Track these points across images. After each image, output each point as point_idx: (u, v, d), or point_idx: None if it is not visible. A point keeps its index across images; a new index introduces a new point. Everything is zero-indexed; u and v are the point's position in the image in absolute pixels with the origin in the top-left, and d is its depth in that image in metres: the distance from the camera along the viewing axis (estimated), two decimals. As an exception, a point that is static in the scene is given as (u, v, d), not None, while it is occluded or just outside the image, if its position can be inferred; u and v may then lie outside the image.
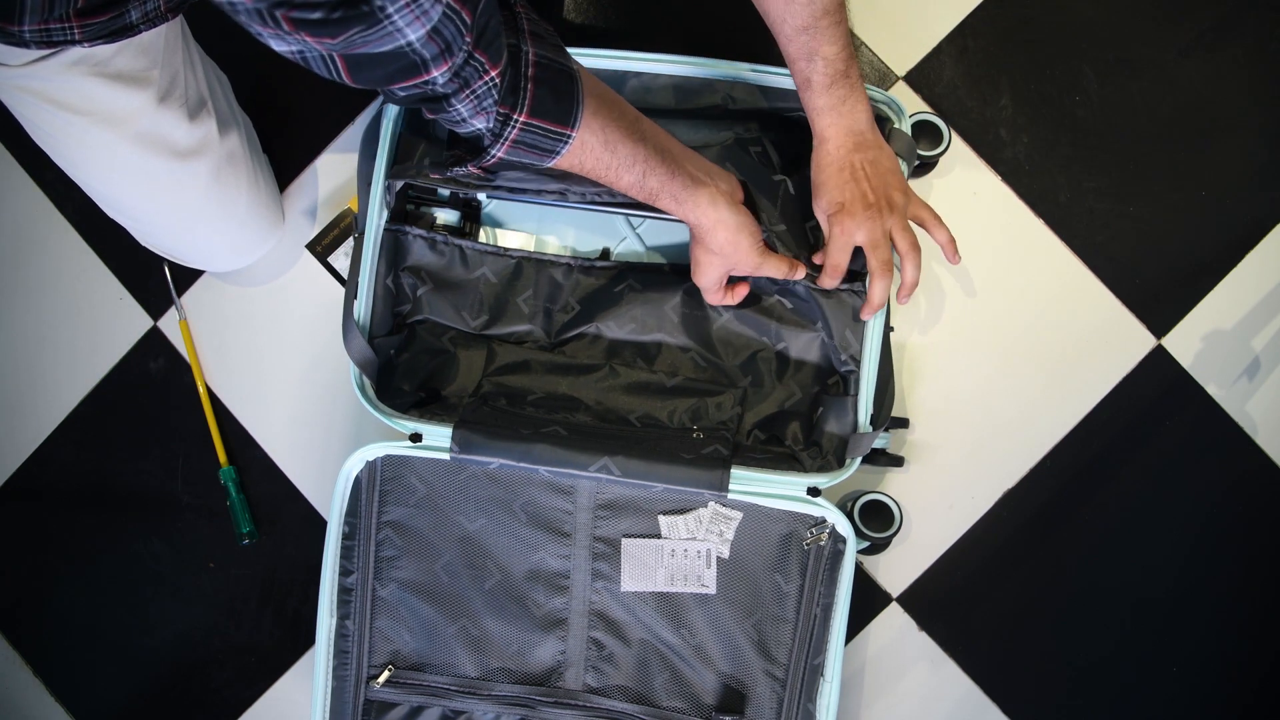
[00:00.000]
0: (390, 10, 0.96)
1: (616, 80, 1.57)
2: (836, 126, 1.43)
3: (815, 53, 1.37)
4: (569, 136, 1.22)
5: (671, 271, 1.61)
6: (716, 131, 1.60)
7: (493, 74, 1.11)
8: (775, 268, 1.48)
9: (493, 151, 1.20)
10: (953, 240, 1.50)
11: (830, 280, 1.49)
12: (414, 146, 1.58)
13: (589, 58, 1.56)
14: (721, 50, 1.57)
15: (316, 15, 0.94)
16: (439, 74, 1.07)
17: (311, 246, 1.79)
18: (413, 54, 1.03)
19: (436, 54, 1.04)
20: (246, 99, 1.74)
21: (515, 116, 1.16)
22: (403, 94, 1.13)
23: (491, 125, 1.17)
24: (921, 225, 1.52)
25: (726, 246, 1.43)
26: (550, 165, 1.27)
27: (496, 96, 1.13)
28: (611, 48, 1.56)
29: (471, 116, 1.15)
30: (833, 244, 1.47)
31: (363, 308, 1.54)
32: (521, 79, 1.15)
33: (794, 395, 1.58)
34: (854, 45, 1.41)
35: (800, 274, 1.50)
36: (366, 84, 1.09)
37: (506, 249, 1.60)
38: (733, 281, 1.53)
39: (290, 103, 1.82)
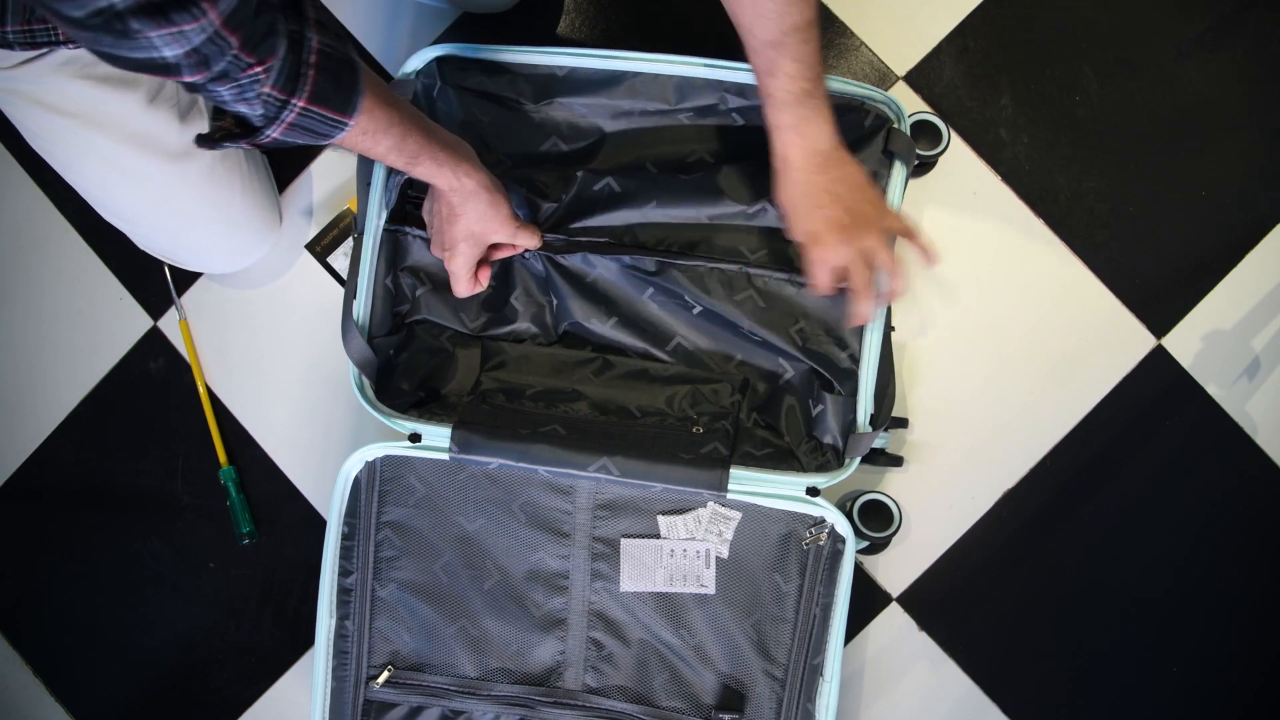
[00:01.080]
0: (149, 34, 0.95)
1: (616, 80, 1.57)
2: (798, 147, 1.41)
3: (779, 69, 1.36)
4: (346, 124, 1.22)
5: (672, 267, 1.60)
6: (718, 131, 1.60)
7: (258, 70, 1.09)
8: (527, 238, 1.52)
9: (267, 132, 1.18)
10: (929, 246, 1.47)
11: (820, 295, 1.49)
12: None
13: (589, 58, 1.56)
14: (721, 50, 1.57)
15: (76, 13, 0.92)
16: (194, 79, 1.05)
17: (310, 247, 1.79)
18: (162, 64, 1.01)
19: (192, 65, 1.02)
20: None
21: (294, 101, 1.15)
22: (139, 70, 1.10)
23: (264, 110, 1.15)
24: (898, 235, 1.49)
25: (488, 210, 1.44)
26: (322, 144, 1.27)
27: (260, 89, 1.11)
28: (611, 48, 1.56)
29: (234, 101, 1.13)
30: (812, 271, 1.45)
31: (362, 308, 1.54)
32: (304, 66, 1.14)
33: (791, 387, 1.58)
34: (823, 66, 1.39)
35: (534, 241, 1.55)
36: (117, 67, 1.05)
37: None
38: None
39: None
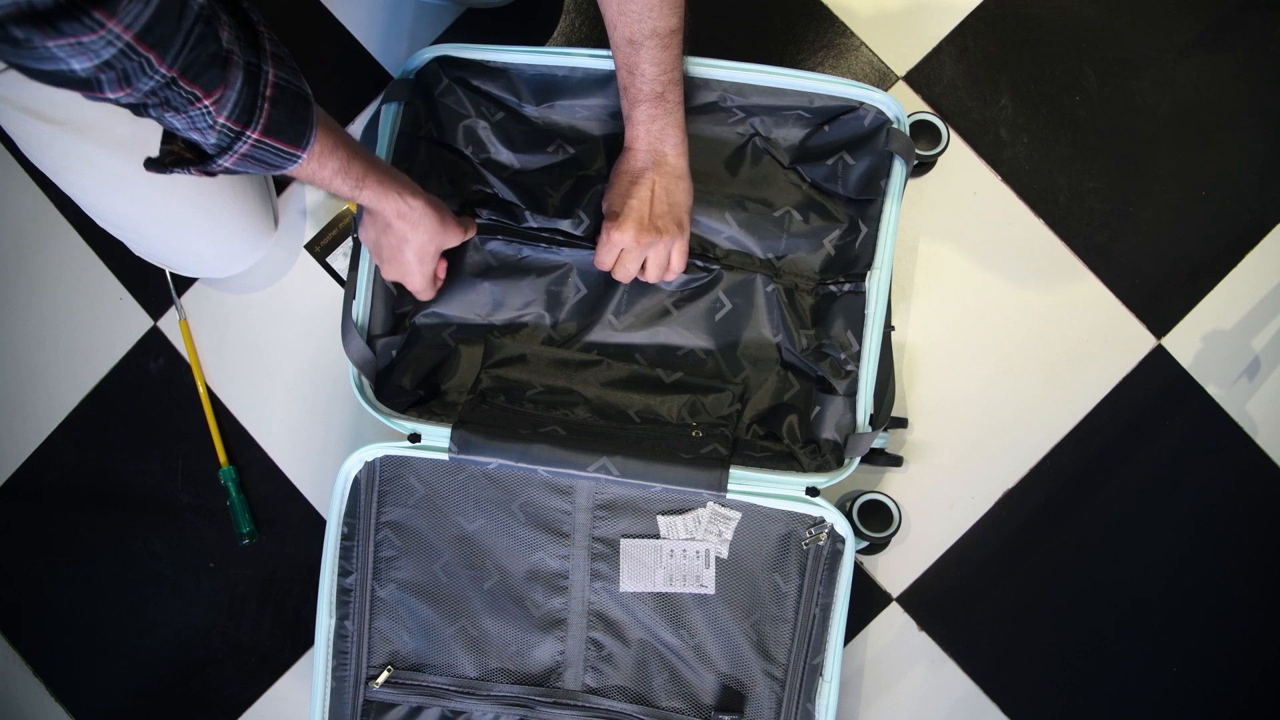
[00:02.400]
0: (46, 43, 0.91)
1: (608, 80, 1.58)
2: (642, 140, 1.47)
3: (636, 67, 1.41)
4: (299, 157, 1.22)
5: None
6: (718, 131, 1.61)
7: (205, 102, 1.08)
8: (468, 232, 1.55)
9: (219, 161, 1.17)
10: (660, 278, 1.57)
11: (599, 267, 1.56)
12: (413, 147, 1.58)
13: (590, 58, 1.56)
14: (721, 50, 1.57)
15: None
16: (118, 96, 1.03)
17: (310, 247, 1.79)
18: (80, 78, 0.98)
19: (112, 80, 1.00)
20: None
21: (248, 134, 1.15)
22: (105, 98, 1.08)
23: (217, 140, 1.14)
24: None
25: (438, 226, 1.45)
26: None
27: (211, 120, 1.11)
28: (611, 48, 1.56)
29: (186, 130, 1.13)
30: (601, 244, 1.51)
31: (361, 308, 1.54)
32: (259, 99, 1.14)
33: (791, 388, 1.58)
34: (682, 74, 1.45)
35: (470, 233, 1.57)
36: (47, 84, 1.02)
37: (511, 240, 1.60)
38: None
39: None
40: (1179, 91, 1.73)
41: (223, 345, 1.81)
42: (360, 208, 1.46)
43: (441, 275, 1.56)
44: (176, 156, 1.19)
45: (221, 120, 1.12)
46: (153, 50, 0.98)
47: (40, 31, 0.89)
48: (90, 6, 0.89)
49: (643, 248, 1.49)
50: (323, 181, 1.31)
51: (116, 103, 1.05)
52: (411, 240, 1.44)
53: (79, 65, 0.95)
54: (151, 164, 1.20)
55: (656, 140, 1.46)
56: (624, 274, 1.52)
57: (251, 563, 1.79)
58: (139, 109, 1.09)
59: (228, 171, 1.20)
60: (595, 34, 1.79)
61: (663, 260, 1.52)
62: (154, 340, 1.82)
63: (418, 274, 1.49)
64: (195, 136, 1.14)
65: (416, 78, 1.58)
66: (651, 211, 1.48)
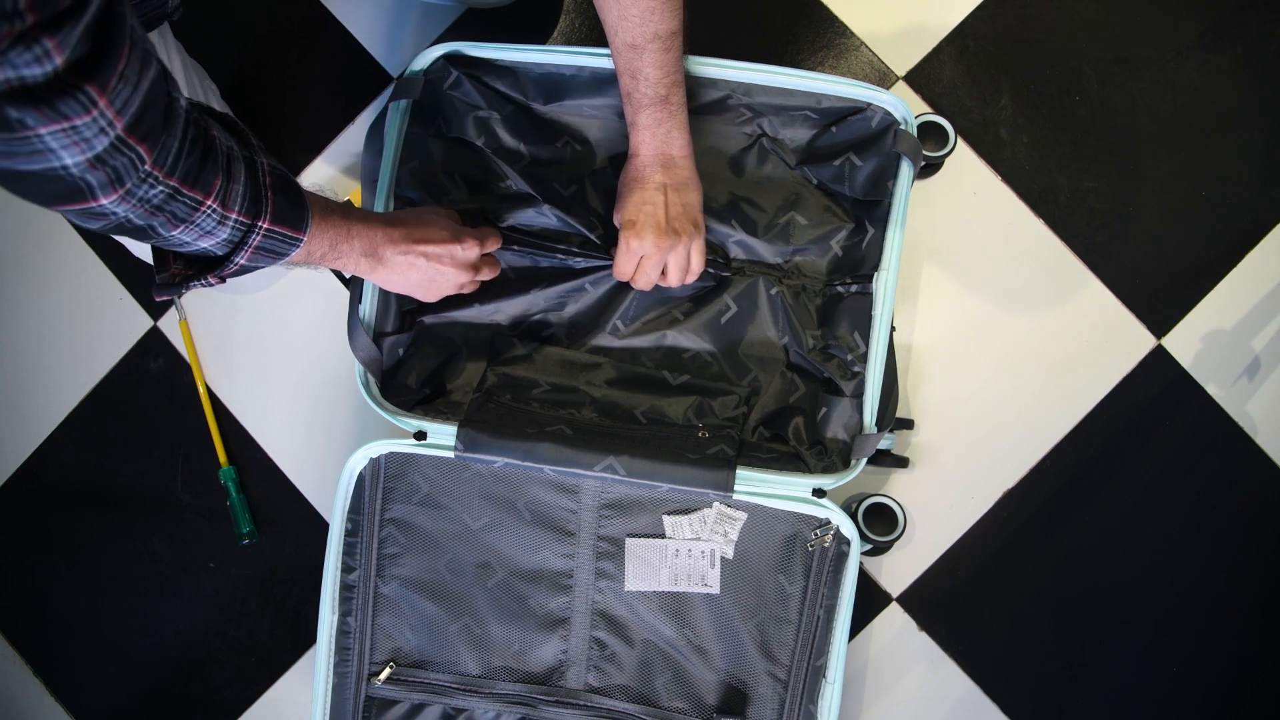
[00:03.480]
0: (39, 130, 0.87)
1: (614, 79, 1.57)
2: (649, 145, 1.47)
3: (639, 72, 1.41)
4: (299, 240, 1.24)
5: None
6: (726, 131, 1.61)
7: (209, 203, 1.09)
8: (475, 242, 1.50)
9: (235, 260, 1.18)
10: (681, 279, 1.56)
11: (617, 278, 1.56)
12: (421, 145, 1.58)
13: (597, 57, 1.56)
14: (722, 50, 1.57)
15: None
16: (112, 200, 1.00)
17: (311, 245, 1.79)
18: (70, 178, 0.94)
19: (104, 182, 0.97)
20: (242, 103, 1.74)
21: (259, 224, 1.16)
22: (94, 225, 1.06)
23: (229, 237, 1.15)
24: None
25: (449, 238, 1.46)
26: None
27: (221, 217, 1.12)
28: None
29: (196, 240, 1.13)
30: (620, 254, 1.51)
31: (367, 305, 1.54)
32: (261, 188, 1.16)
33: (797, 390, 1.58)
34: (684, 75, 1.45)
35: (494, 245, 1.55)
36: (35, 201, 1.00)
37: (521, 247, 1.60)
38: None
39: (287, 106, 1.82)
40: (1179, 91, 1.74)
41: (223, 345, 1.80)
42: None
43: (493, 269, 1.57)
44: (183, 276, 1.22)
45: (234, 216, 1.13)
46: (143, 144, 0.97)
47: (36, 110, 0.85)
48: (82, 80, 0.87)
49: (662, 252, 1.49)
50: (324, 259, 1.34)
51: (112, 221, 1.04)
52: (426, 271, 1.45)
53: (71, 160, 0.92)
54: (162, 289, 1.23)
55: (663, 144, 1.46)
56: (645, 281, 1.52)
57: (251, 563, 1.79)
58: (142, 232, 1.08)
59: (241, 271, 1.21)
60: (595, 34, 1.80)
61: (683, 262, 1.52)
62: (154, 340, 1.81)
63: (449, 286, 1.51)
64: (205, 244, 1.15)
65: (423, 75, 1.57)
66: (667, 215, 1.48)
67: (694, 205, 1.50)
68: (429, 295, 1.51)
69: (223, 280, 1.22)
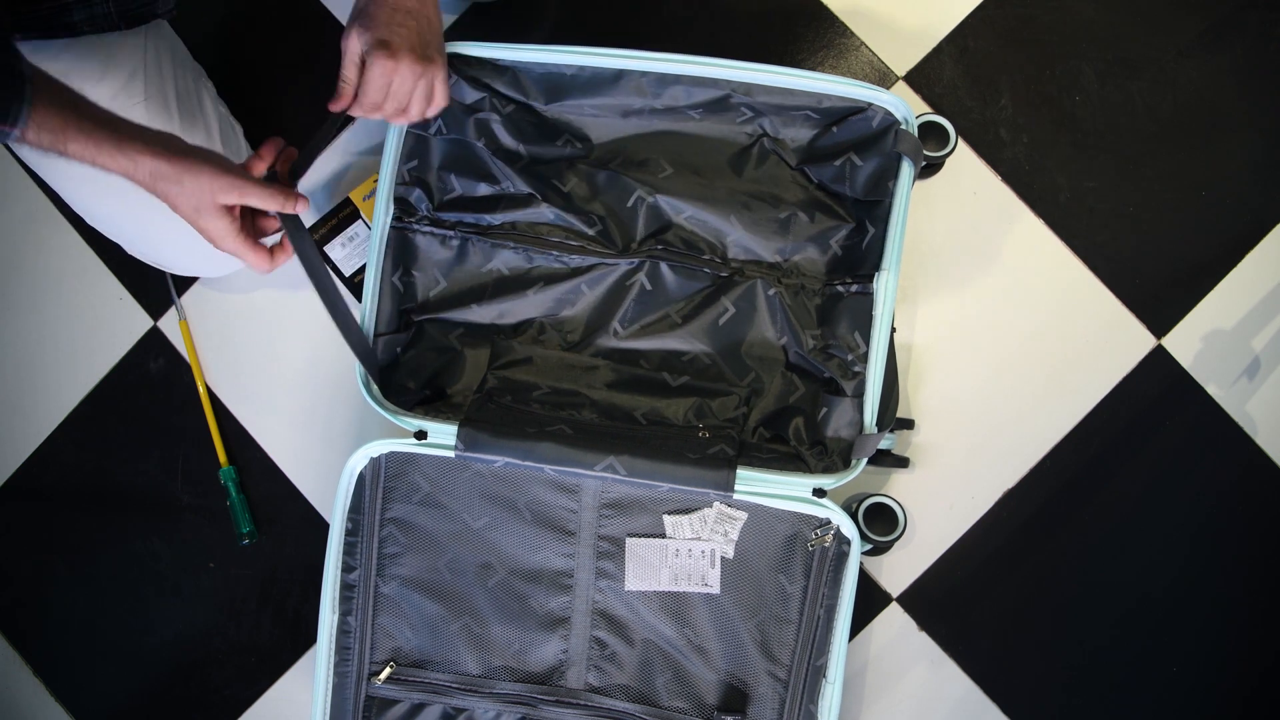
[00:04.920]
0: None
1: (618, 79, 1.58)
2: None
3: None
4: (6, 133, 1.19)
5: (680, 273, 1.60)
6: (726, 130, 1.61)
7: None
8: (262, 199, 1.38)
9: None
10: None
11: (361, 112, 1.44)
12: (421, 145, 1.59)
13: (590, 57, 1.56)
14: (722, 49, 1.57)
15: None
16: None
17: (311, 242, 1.79)
18: None
19: None
20: (241, 102, 1.74)
21: None
22: None
23: None
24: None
25: (177, 172, 1.33)
26: None
27: None
28: (610, 47, 1.57)
29: None
30: (370, 79, 1.38)
31: (369, 306, 1.55)
32: None
33: (796, 390, 1.58)
34: None
35: (296, 207, 1.41)
36: None
37: (517, 243, 1.60)
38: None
39: (286, 106, 1.82)
40: (1179, 91, 1.74)
41: (223, 345, 1.80)
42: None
43: (278, 257, 1.47)
44: None
45: None
46: None
47: None
48: None
49: (415, 80, 1.40)
50: (36, 145, 1.25)
51: None
52: (168, 198, 1.35)
53: None
54: None
55: None
56: (394, 109, 1.42)
57: (251, 563, 1.79)
58: None
59: None
60: (595, 33, 1.79)
61: (428, 91, 1.43)
62: (154, 340, 1.81)
63: (208, 233, 1.39)
64: None
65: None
66: (421, 39, 1.39)
67: (439, 31, 1.42)
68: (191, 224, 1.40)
69: None
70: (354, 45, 1.37)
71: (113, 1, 1.32)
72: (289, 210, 1.40)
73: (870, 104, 1.55)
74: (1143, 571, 1.70)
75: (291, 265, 1.68)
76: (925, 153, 1.61)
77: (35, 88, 1.20)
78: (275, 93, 1.82)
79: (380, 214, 1.57)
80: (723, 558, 1.53)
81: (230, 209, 1.36)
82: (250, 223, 1.43)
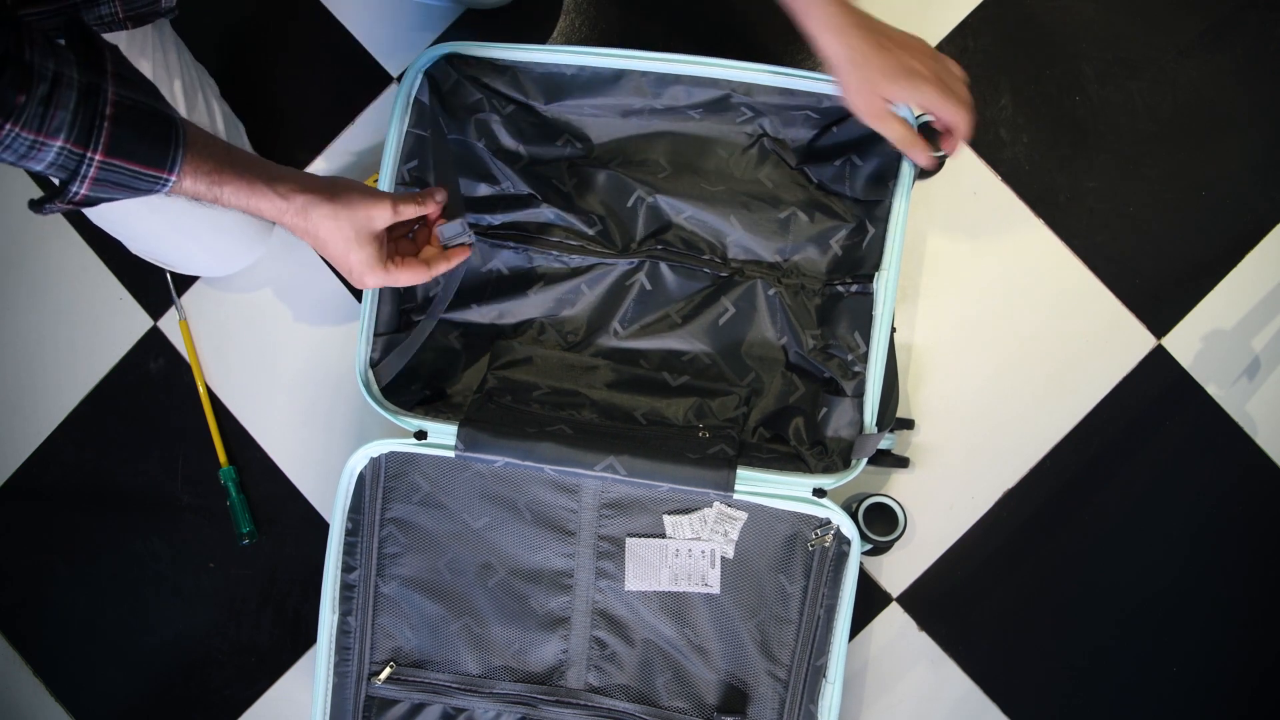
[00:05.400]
0: None
1: (618, 79, 1.58)
2: (846, 10, 1.37)
3: None
4: (166, 180, 1.20)
5: (680, 273, 1.60)
6: (726, 130, 1.61)
7: (9, 126, 1.06)
8: (415, 206, 1.42)
9: (73, 189, 1.15)
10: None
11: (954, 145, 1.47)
12: (421, 145, 1.58)
13: (590, 57, 1.56)
14: (722, 49, 1.57)
15: None
16: None
17: (311, 244, 1.79)
18: None
19: None
20: (243, 103, 1.74)
21: (90, 155, 1.13)
22: None
23: (56, 161, 1.12)
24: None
25: (333, 210, 1.35)
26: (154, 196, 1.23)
27: (29, 144, 1.09)
28: (611, 47, 1.57)
29: (19, 162, 1.12)
30: (943, 103, 1.39)
31: (369, 306, 1.54)
32: (98, 119, 1.12)
33: (796, 390, 1.58)
34: None
35: (438, 196, 1.45)
36: None
37: (517, 243, 1.60)
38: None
39: (287, 106, 1.82)
40: (1179, 91, 1.74)
41: (223, 345, 1.80)
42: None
43: (431, 270, 1.46)
44: (47, 195, 1.19)
45: (56, 143, 1.10)
46: None
47: None
48: None
49: (942, 85, 1.40)
50: (187, 194, 1.26)
51: None
52: (318, 236, 1.37)
53: None
54: (32, 204, 1.21)
55: (855, 9, 1.37)
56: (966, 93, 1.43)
57: (251, 563, 1.79)
58: None
59: (89, 201, 1.18)
60: (595, 33, 1.80)
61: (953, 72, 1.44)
62: (154, 340, 1.81)
63: (367, 272, 1.40)
64: (34, 166, 1.13)
65: (426, 75, 1.58)
66: (913, 55, 1.40)
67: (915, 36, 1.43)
68: (342, 264, 1.41)
69: (76, 205, 1.19)
70: (883, 99, 1.40)
71: (119, 2, 1.32)
72: (438, 199, 1.44)
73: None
74: (1143, 571, 1.70)
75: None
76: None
77: (187, 133, 1.21)
78: (274, 92, 1.82)
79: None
80: (723, 558, 1.53)
81: (379, 235, 1.39)
82: (393, 247, 1.45)
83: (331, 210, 1.33)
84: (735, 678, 1.55)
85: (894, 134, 1.42)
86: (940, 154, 1.48)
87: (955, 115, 1.40)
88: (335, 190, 1.35)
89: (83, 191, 1.16)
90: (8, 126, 1.06)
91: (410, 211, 1.40)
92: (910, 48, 1.39)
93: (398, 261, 1.42)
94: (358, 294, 1.76)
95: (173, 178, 1.20)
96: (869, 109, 1.41)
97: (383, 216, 1.37)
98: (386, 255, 1.41)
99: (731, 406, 1.58)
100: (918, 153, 1.44)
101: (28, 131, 1.08)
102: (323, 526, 1.75)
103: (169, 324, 1.81)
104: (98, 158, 1.13)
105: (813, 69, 1.70)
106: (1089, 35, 1.75)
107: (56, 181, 1.16)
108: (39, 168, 1.13)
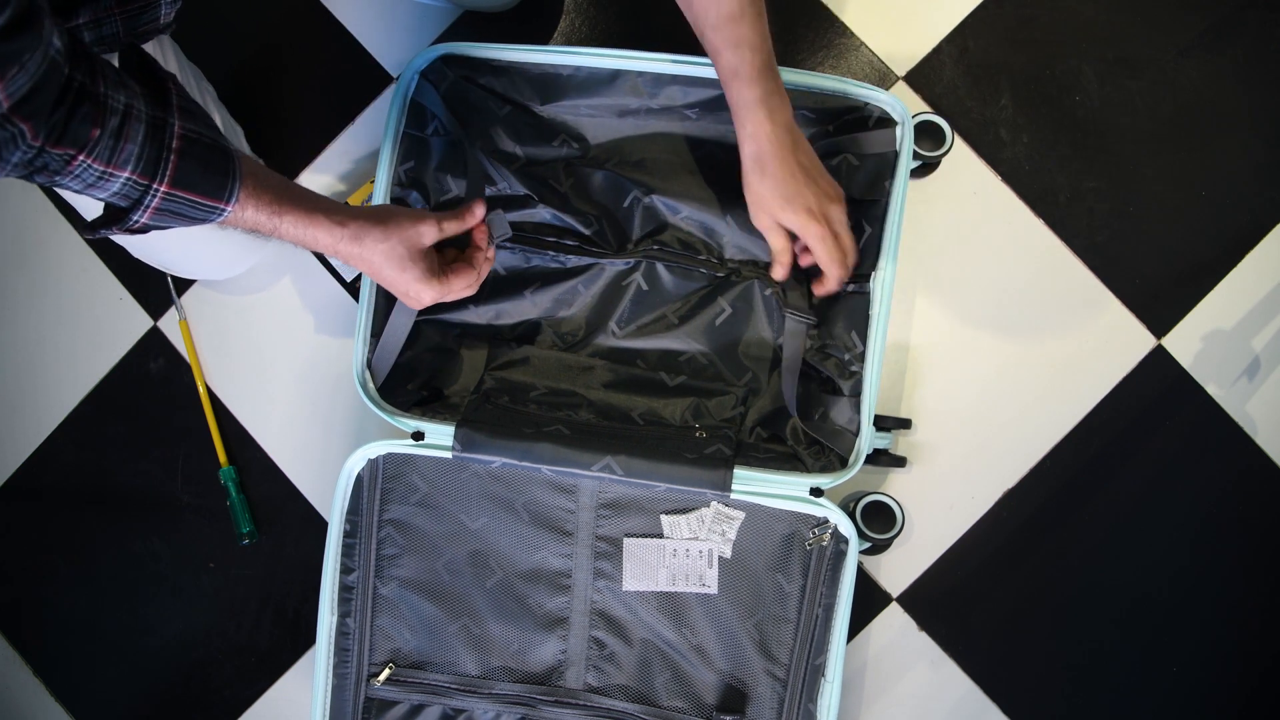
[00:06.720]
0: None
1: (614, 79, 1.58)
2: (772, 122, 1.38)
3: (743, 41, 1.34)
4: (222, 210, 1.22)
5: (677, 273, 1.60)
6: (724, 131, 1.61)
7: (82, 158, 1.08)
8: (458, 221, 1.47)
9: (134, 217, 1.18)
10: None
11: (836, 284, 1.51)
12: (417, 145, 1.59)
13: (587, 57, 1.56)
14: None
15: None
16: None
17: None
18: None
19: None
20: (242, 104, 1.74)
21: (155, 186, 1.15)
22: None
23: (121, 191, 1.15)
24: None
25: (383, 233, 1.39)
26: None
27: (100, 173, 1.11)
28: (611, 47, 1.58)
29: (83, 190, 1.14)
30: (822, 246, 1.45)
31: (366, 307, 1.54)
32: (165, 151, 1.15)
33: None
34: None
35: (481, 207, 1.49)
36: None
37: (514, 244, 1.60)
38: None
39: (287, 107, 1.82)
40: (1179, 91, 1.73)
41: (223, 345, 1.80)
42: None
43: (478, 273, 1.50)
44: (105, 219, 1.21)
45: (124, 174, 1.13)
46: (28, 122, 0.99)
47: None
48: None
49: (826, 226, 1.44)
50: (244, 225, 1.29)
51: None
52: (373, 261, 1.40)
53: None
54: (84, 228, 1.23)
55: (783, 115, 1.39)
56: (839, 252, 1.47)
57: (251, 563, 1.79)
58: (31, 178, 1.10)
59: (147, 228, 1.21)
60: (595, 34, 1.79)
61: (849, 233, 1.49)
62: (154, 340, 1.82)
63: (424, 289, 1.44)
64: (100, 196, 1.15)
65: (421, 76, 1.58)
66: (818, 188, 1.44)
67: (822, 169, 1.47)
68: (400, 289, 1.46)
69: (132, 233, 1.22)
70: (783, 225, 1.47)
71: (120, 21, 1.33)
72: (479, 211, 1.49)
73: (867, 103, 1.55)
74: (1143, 571, 1.69)
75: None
76: (922, 152, 1.61)
77: (243, 166, 1.24)
78: (274, 93, 1.82)
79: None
80: (720, 557, 1.53)
81: (428, 252, 1.44)
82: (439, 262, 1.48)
83: (383, 233, 1.38)
84: (734, 677, 1.55)
85: (773, 245, 1.49)
86: (935, 153, 1.49)
87: (829, 263, 1.47)
88: (383, 215, 1.40)
89: (144, 220, 1.19)
90: (80, 158, 1.08)
91: (454, 228, 1.46)
92: (819, 186, 1.44)
93: (448, 271, 1.46)
94: (356, 295, 1.76)
95: (229, 208, 1.23)
96: (758, 218, 1.46)
97: (430, 233, 1.42)
98: (438, 268, 1.45)
99: (728, 406, 1.58)
100: (779, 269, 1.51)
101: (98, 163, 1.10)
102: (323, 526, 1.75)
103: (169, 324, 1.81)
104: (162, 189, 1.16)
105: (812, 69, 1.70)
106: (1089, 35, 1.74)
107: (108, 206, 1.19)
108: (103, 196, 1.15)
